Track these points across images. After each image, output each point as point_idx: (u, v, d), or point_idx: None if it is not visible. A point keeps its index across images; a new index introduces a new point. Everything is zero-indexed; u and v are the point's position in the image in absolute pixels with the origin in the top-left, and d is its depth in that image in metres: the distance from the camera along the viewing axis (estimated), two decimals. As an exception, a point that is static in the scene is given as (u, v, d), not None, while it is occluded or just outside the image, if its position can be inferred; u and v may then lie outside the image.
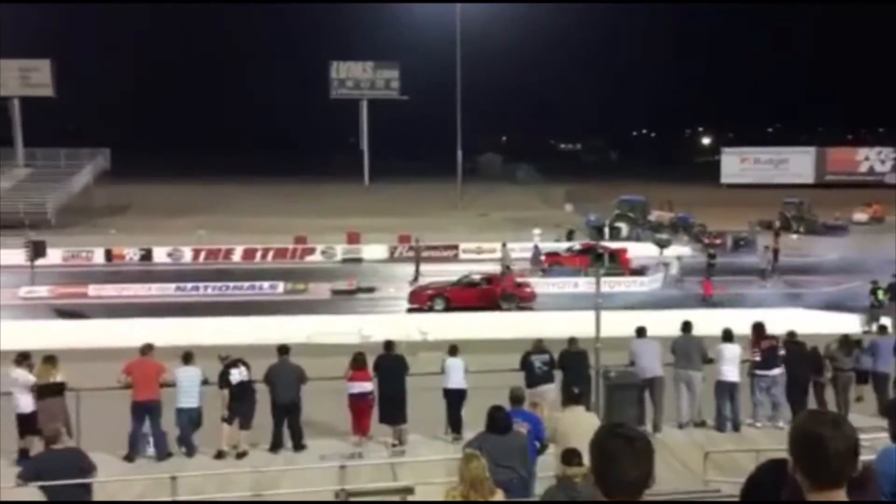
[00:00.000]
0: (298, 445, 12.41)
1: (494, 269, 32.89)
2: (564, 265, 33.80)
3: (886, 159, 72.88)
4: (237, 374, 12.21)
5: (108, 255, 39.73)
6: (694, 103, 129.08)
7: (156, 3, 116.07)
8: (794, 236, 39.46)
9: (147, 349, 12.30)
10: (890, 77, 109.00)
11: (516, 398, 9.41)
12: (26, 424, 11.66)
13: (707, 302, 28.88)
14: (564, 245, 38.00)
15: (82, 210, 52.00)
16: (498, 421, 8.00)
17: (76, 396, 12.06)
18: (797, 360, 13.62)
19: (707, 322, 15.67)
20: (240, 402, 12.17)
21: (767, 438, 11.81)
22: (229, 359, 12.41)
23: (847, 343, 14.36)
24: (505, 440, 7.87)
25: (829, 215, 48.65)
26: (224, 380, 12.16)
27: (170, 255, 39.95)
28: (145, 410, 11.91)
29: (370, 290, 32.46)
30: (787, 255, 36.60)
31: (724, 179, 73.15)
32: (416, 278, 33.04)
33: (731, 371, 13.23)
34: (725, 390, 13.19)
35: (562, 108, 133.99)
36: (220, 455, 12.06)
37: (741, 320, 14.74)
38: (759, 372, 13.42)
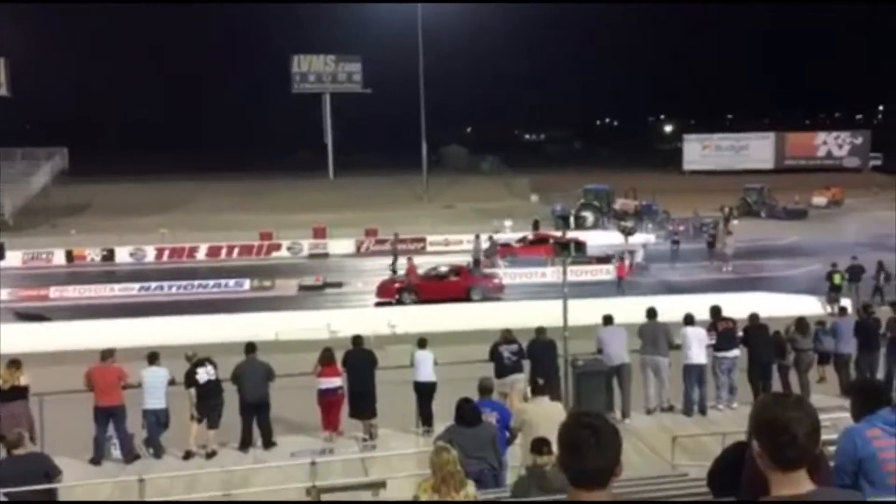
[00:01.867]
0: (268, 443, 12.34)
1: (462, 260, 32.96)
2: (518, 256, 33.99)
3: (843, 143, 74.26)
4: (204, 374, 12.10)
5: (69, 256, 39.02)
6: (656, 91, 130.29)
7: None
8: (735, 222, 40.15)
9: (108, 354, 12.10)
10: (845, 62, 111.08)
11: (484, 388, 9.46)
12: (-12, 431, 11.43)
13: (620, 285, 29.03)
14: (517, 236, 38.08)
15: (41, 211, 50.99)
16: (467, 413, 8.05)
17: (39, 401, 11.86)
18: (759, 342, 13.83)
19: (672, 308, 15.83)
20: (207, 402, 12.06)
21: (733, 421, 11.98)
22: (196, 358, 12.30)
23: (804, 324, 14.62)
24: (475, 432, 7.91)
25: (789, 199, 49.52)
26: (191, 379, 12.05)
27: (132, 254, 39.39)
28: (108, 415, 11.77)
29: (338, 284, 32.33)
30: (748, 241, 37.12)
31: (686, 166, 73.97)
32: (395, 271, 32.97)
33: (697, 354, 13.42)
34: (693, 373, 13.38)
35: (525, 99, 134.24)
36: (188, 455, 11.95)
37: (703, 305, 14.92)
38: (718, 354, 13.63)
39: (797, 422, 2.29)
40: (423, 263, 31.67)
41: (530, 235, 37.30)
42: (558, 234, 36.96)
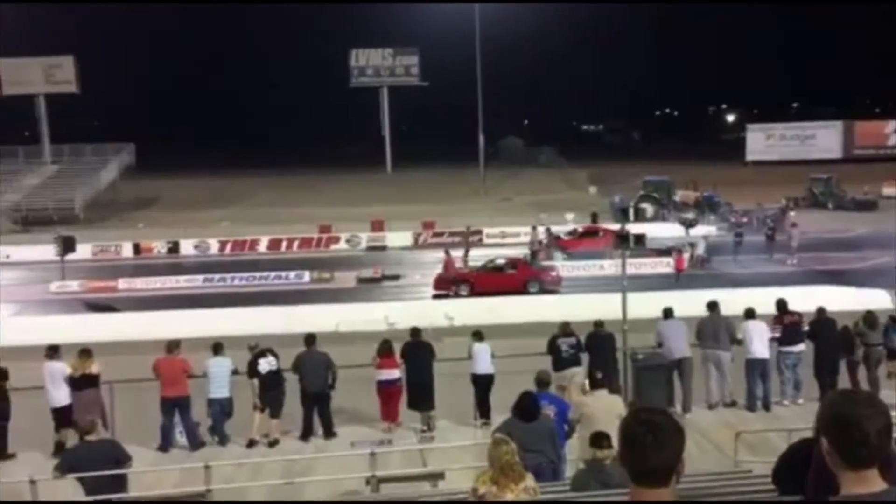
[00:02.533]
0: (329, 433, 12.52)
1: (519, 252, 32.82)
2: (567, 249, 33.71)
3: (916, 132, 71.45)
4: (266, 364, 12.33)
5: (137, 249, 40.21)
6: (717, 81, 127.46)
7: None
8: (793, 213, 38.98)
9: (173, 346, 12.43)
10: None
11: (542, 381, 9.43)
12: (61, 417, 11.87)
13: (678, 278, 28.54)
14: (566, 228, 37.79)
15: (109, 205, 52.65)
16: (526, 406, 8.03)
17: (110, 389, 12.26)
18: (826, 336, 13.45)
19: (734, 301, 15.51)
20: (269, 392, 12.29)
21: (798, 417, 11.69)
22: (258, 348, 12.54)
23: (873, 318, 14.16)
24: (533, 425, 7.89)
25: (858, 190, 47.96)
26: (253, 369, 12.29)
27: (196, 247, 40.33)
28: (174, 405, 12.11)
29: (395, 277, 32.54)
30: (815, 233, 36.11)
31: (750, 157, 72.09)
32: (465, 263, 33.02)
33: (760, 348, 13.12)
34: (756, 368, 13.08)
35: (583, 90, 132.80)
36: (251, 444, 12.21)
37: (767, 298, 14.58)
38: (783, 349, 13.31)
39: (868, 419, 2.22)
40: (479, 256, 31.69)
41: (580, 228, 37.01)
42: (611, 226, 36.53)
